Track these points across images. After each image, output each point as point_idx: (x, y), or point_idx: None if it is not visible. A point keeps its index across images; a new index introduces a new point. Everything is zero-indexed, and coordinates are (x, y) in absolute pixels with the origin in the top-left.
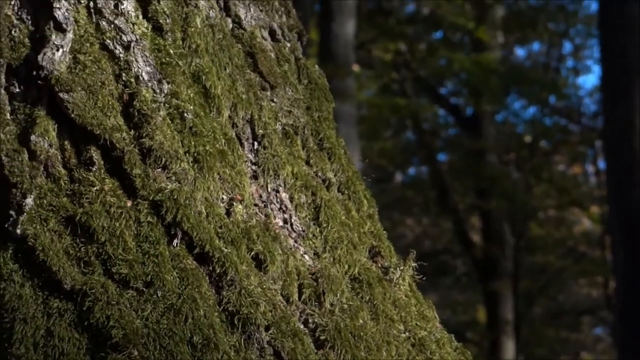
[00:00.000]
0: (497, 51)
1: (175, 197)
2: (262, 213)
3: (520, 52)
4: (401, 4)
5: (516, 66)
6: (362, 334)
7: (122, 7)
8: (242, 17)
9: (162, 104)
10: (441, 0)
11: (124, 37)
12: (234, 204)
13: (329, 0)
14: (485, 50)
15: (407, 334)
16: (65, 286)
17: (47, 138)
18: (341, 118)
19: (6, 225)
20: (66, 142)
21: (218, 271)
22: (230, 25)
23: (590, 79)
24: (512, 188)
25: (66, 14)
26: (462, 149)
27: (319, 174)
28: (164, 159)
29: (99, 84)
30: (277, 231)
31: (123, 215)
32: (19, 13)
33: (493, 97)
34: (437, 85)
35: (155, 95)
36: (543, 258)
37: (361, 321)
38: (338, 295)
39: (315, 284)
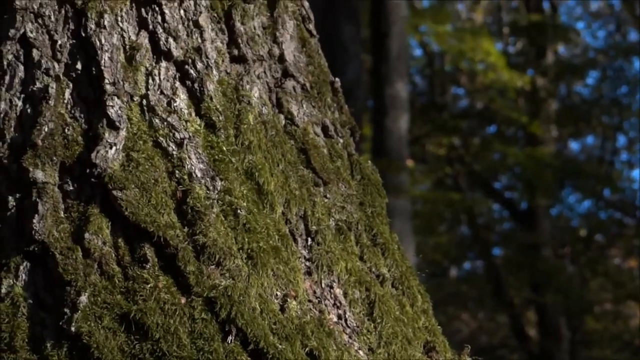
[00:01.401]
0: (551, 145)
1: (229, 293)
2: (316, 309)
3: (574, 145)
4: (454, 99)
5: (570, 160)
6: None
7: (175, 104)
8: (295, 113)
9: (215, 201)
10: (494, 95)
11: (177, 135)
12: (288, 300)
13: (382, 95)
14: (539, 144)
15: None
16: None
17: (100, 236)
18: (396, 213)
19: (61, 323)
20: (120, 240)
21: None
22: (283, 122)
23: None
24: (568, 282)
25: (119, 111)
26: (517, 243)
27: (373, 269)
28: (217, 256)
29: (152, 181)
30: (332, 327)
31: (177, 312)
32: (72, 111)
33: (547, 191)
34: (491, 180)
35: (208, 192)
36: (600, 352)
37: None
38: None
39: None
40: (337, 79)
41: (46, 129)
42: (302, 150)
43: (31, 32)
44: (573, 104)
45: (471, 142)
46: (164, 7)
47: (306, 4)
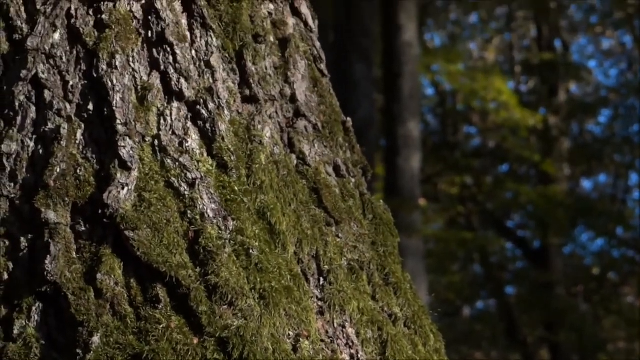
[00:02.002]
0: (564, 183)
1: (241, 333)
2: (328, 349)
3: (586, 184)
4: (466, 138)
5: (583, 198)
6: None
7: (186, 144)
8: (307, 153)
9: (227, 241)
10: (506, 133)
11: (188, 175)
12: (301, 339)
13: (395, 134)
14: (551, 182)
15: None
16: None
17: (113, 276)
18: (408, 252)
19: None
20: (132, 280)
21: None
22: (295, 162)
23: None
24: (581, 320)
25: (131, 152)
26: (530, 281)
27: (385, 309)
28: (230, 296)
29: (165, 221)
30: None
31: (190, 353)
32: (84, 152)
33: (560, 229)
34: (504, 218)
35: (220, 232)
36: None
37: None
38: None
39: None
40: (348, 119)
41: (58, 170)
42: (314, 190)
43: (43, 73)
44: (585, 143)
45: (483, 181)
46: (175, 47)
47: (317, 44)
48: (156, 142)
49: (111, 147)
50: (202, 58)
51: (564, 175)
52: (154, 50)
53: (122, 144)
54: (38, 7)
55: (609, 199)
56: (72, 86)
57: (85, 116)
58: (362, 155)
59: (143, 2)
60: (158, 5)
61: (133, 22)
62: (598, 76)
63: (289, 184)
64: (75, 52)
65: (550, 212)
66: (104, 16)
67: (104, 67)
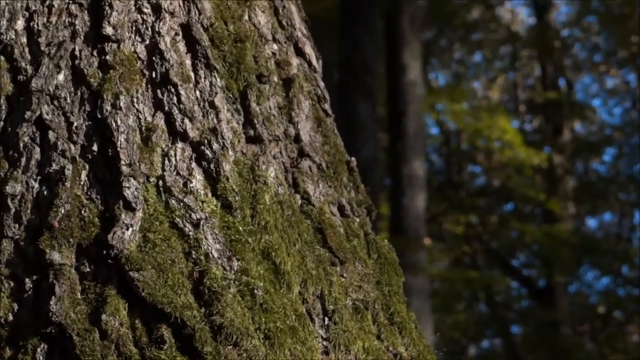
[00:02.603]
0: (569, 222)
1: None
2: None
3: (591, 222)
4: (471, 177)
5: (588, 237)
6: None
7: (191, 185)
8: (311, 193)
9: (232, 281)
10: (511, 172)
11: (193, 215)
12: None
13: (399, 174)
14: (556, 221)
15: None
16: None
17: (118, 317)
18: (414, 291)
19: None
20: (137, 321)
21: None
22: (299, 202)
23: None
24: (587, 359)
25: (135, 192)
26: (536, 320)
27: (390, 348)
28: (235, 336)
29: (169, 262)
30: None
31: None
32: (89, 193)
33: (565, 268)
34: (509, 257)
35: (225, 272)
36: None
37: None
38: None
39: None
40: (353, 158)
41: (62, 211)
42: (319, 229)
43: (47, 114)
44: (590, 181)
45: (488, 220)
46: (179, 88)
47: (321, 84)
48: (160, 182)
49: (115, 187)
50: (206, 98)
51: (569, 214)
52: (158, 91)
53: (127, 185)
54: (42, 48)
55: (614, 238)
56: (76, 127)
57: (90, 157)
58: (367, 194)
59: (147, 42)
60: (162, 45)
61: (137, 62)
62: (602, 115)
63: (293, 224)
64: (79, 93)
65: (555, 250)
66: (107, 57)
67: (108, 107)
